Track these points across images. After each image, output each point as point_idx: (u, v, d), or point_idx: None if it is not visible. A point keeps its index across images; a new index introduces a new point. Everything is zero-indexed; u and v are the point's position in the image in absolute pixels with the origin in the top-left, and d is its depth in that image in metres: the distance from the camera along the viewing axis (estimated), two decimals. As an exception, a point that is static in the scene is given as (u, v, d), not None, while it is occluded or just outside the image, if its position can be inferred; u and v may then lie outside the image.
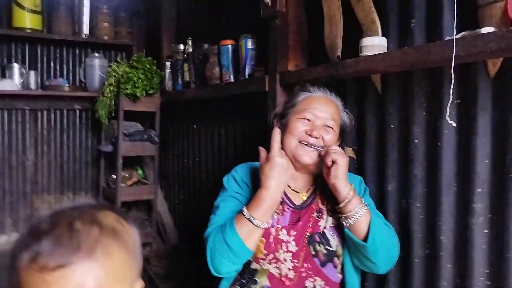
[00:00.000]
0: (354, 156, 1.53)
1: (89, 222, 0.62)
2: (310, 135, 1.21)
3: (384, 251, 1.16)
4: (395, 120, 1.36)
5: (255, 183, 1.29)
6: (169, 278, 2.53)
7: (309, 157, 1.21)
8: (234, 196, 1.28)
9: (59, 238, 0.59)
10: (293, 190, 1.30)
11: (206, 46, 2.41)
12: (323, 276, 1.23)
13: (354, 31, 1.43)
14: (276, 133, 1.18)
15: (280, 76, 1.74)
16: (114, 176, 3.23)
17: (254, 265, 1.25)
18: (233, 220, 1.15)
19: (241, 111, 2.32)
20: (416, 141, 1.29)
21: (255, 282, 1.24)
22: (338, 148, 1.18)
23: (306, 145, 1.21)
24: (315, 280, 1.22)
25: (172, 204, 3.32)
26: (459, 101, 1.18)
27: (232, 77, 2.19)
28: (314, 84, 1.36)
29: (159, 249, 3.04)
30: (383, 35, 1.34)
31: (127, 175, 3.31)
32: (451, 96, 1.05)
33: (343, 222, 1.17)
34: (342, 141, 1.37)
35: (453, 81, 1.03)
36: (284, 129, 1.27)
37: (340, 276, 1.26)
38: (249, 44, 2.00)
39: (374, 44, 1.30)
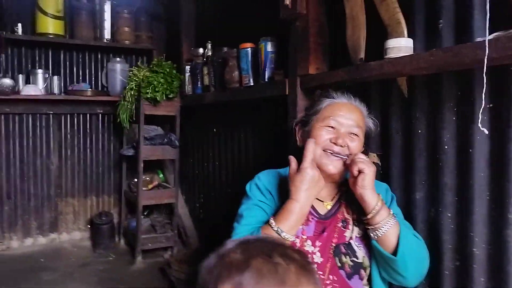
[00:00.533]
0: (379, 162, 1.47)
1: (285, 256, 0.62)
2: (335, 143, 1.17)
3: (414, 265, 1.11)
4: (422, 125, 1.30)
5: (279, 191, 1.26)
6: (190, 282, 2.51)
7: (334, 166, 1.17)
8: (258, 204, 1.25)
9: (260, 271, 0.59)
10: (317, 199, 1.24)
11: (225, 49, 2.39)
12: None
13: (378, 33, 1.37)
14: (311, 144, 1.14)
15: (301, 80, 1.70)
16: (136, 180, 3.24)
17: None
18: (260, 231, 1.13)
19: (261, 115, 2.29)
20: (446, 147, 1.22)
21: None
22: (364, 157, 1.13)
23: (331, 153, 1.17)
24: None
25: (192, 207, 3.32)
26: (491, 105, 1.11)
27: (251, 80, 2.16)
28: (336, 88, 1.32)
29: (179, 253, 3.04)
30: (409, 36, 1.28)
31: (148, 179, 3.33)
32: (483, 101, 0.98)
33: (371, 234, 1.12)
34: (367, 147, 1.32)
35: (485, 85, 0.97)
36: (307, 137, 1.23)
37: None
38: (269, 47, 1.96)
39: (400, 45, 1.24)
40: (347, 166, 1.16)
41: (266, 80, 1.99)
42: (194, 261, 2.73)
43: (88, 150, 3.68)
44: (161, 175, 3.53)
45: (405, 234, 1.09)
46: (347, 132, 1.19)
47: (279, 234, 1.09)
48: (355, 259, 1.18)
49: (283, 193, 1.27)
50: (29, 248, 3.43)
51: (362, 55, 1.41)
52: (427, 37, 1.29)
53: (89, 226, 3.70)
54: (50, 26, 3.21)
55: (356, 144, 1.19)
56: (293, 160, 1.16)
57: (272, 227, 1.10)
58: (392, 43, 1.26)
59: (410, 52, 1.24)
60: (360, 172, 1.09)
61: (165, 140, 3.11)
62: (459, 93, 1.19)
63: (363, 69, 1.33)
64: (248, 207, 1.25)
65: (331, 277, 1.17)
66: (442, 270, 1.25)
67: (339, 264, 1.17)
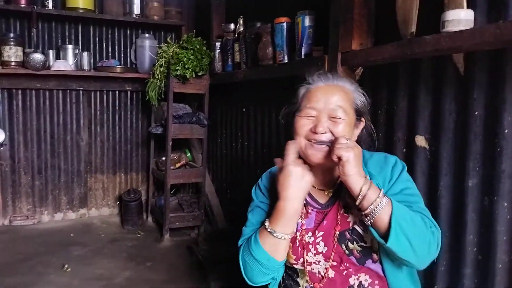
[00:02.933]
0: (427, 146, 1.37)
1: None
2: (315, 132, 1.11)
3: (416, 247, 1.00)
4: (480, 107, 1.18)
5: (275, 190, 1.21)
6: (217, 261, 2.50)
7: (319, 155, 1.11)
8: (259, 206, 1.27)
9: None
10: (317, 188, 1.22)
11: (258, 24, 2.29)
12: (366, 270, 1.14)
13: (431, 3, 1.25)
14: (290, 145, 1.12)
15: (342, 56, 1.60)
16: (164, 158, 3.23)
17: (295, 267, 1.22)
18: (257, 233, 1.14)
19: (295, 94, 2.20)
20: (506, 131, 1.11)
21: (298, 284, 1.21)
22: (344, 141, 1.05)
23: (314, 143, 1.12)
24: (359, 276, 1.14)
25: (219, 187, 3.30)
26: None
27: (286, 57, 2.07)
28: (379, 67, 1.21)
29: (207, 232, 3.03)
30: (468, 7, 1.15)
31: (175, 158, 3.31)
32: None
33: (365, 221, 1.05)
34: (368, 122, 1.24)
35: None
36: (293, 129, 1.19)
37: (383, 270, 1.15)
38: (307, 21, 1.86)
39: (460, 18, 1.12)
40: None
41: (303, 56, 1.89)
42: (221, 240, 2.71)
43: (117, 127, 3.69)
44: (188, 154, 3.51)
45: (399, 215, 0.99)
46: (329, 116, 1.12)
47: (272, 235, 1.10)
48: (363, 244, 1.13)
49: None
50: (59, 223, 3.51)
51: (414, 28, 1.30)
52: (490, 8, 1.17)
53: (117, 203, 3.75)
54: (80, 1, 3.18)
55: (341, 128, 1.11)
56: (278, 161, 1.15)
57: (267, 229, 1.11)
58: (450, 15, 1.14)
59: (471, 25, 1.13)
60: (339, 159, 1.02)
61: (194, 118, 3.07)
62: (525, 71, 1.08)
63: (416, 44, 1.22)
64: (252, 209, 1.28)
65: (342, 264, 1.14)
66: (495, 263, 1.16)
67: (346, 251, 1.13)
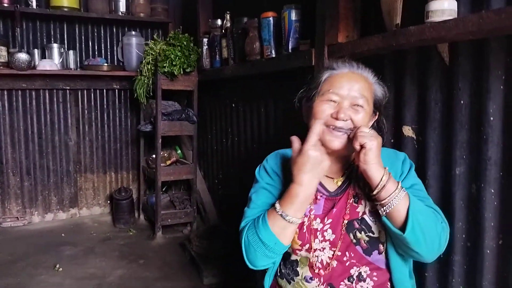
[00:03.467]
0: (414, 136, 1.38)
1: None
2: (337, 118, 1.09)
3: (428, 240, 1.03)
4: (465, 96, 1.20)
5: (286, 173, 1.22)
6: (210, 258, 2.51)
7: (338, 142, 1.10)
8: (265, 187, 1.23)
9: None
10: (326, 176, 1.21)
11: (245, 19, 2.29)
12: (370, 264, 1.14)
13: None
14: (316, 125, 1.08)
15: (329, 49, 1.60)
16: (154, 156, 3.22)
17: (294, 257, 1.20)
18: (266, 215, 1.11)
19: (283, 89, 2.21)
20: (492, 118, 1.13)
21: (297, 273, 1.19)
22: (367, 130, 1.04)
23: (333, 129, 1.10)
24: (360, 268, 1.14)
25: (211, 184, 3.29)
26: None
27: (273, 52, 2.07)
28: (367, 58, 1.22)
29: (199, 229, 3.03)
30: (452, -2, 1.17)
31: (166, 155, 3.30)
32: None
33: (379, 211, 1.06)
34: (381, 116, 1.24)
35: None
36: (310, 113, 1.17)
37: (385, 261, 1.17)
38: (293, 15, 1.86)
39: (444, 8, 1.13)
40: (352, 140, 1.08)
41: (290, 51, 1.90)
42: (214, 237, 2.71)
43: (106, 126, 3.67)
44: (179, 151, 3.50)
45: (415, 208, 1.01)
46: (350, 104, 1.11)
47: (284, 218, 1.08)
48: (371, 234, 1.13)
49: (289, 174, 1.21)
50: (50, 223, 3.48)
51: (399, 20, 1.31)
52: (473, -2, 1.18)
53: (108, 202, 3.72)
54: (65, -1, 3.14)
55: (361, 116, 1.10)
56: (295, 140, 1.11)
57: (277, 211, 1.09)
58: (434, 5, 1.15)
59: (454, 15, 1.14)
60: (362, 147, 1.02)
61: (183, 115, 3.06)
62: (508, 60, 1.10)
63: (401, 35, 1.23)
64: (256, 190, 1.24)
65: (347, 253, 1.14)
66: (483, 248, 1.18)
67: (354, 240, 1.13)
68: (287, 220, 1.07)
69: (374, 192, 1.03)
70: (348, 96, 1.11)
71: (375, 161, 1.02)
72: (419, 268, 1.38)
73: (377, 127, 1.25)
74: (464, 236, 1.25)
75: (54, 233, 3.24)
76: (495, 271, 1.17)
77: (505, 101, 1.11)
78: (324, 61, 1.62)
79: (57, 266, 2.58)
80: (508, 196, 1.12)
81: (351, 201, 1.16)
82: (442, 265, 1.31)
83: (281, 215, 1.08)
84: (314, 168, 1.06)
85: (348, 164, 1.21)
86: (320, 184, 1.20)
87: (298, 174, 1.07)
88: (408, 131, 1.40)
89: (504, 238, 1.14)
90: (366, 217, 1.14)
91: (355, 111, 1.10)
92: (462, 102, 1.21)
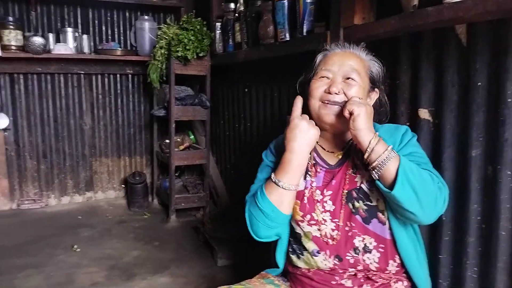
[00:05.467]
0: (430, 119, 1.38)
1: None
2: (329, 93, 1.15)
3: (422, 199, 1.03)
4: (483, 77, 1.19)
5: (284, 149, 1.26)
6: (224, 240, 2.55)
7: (332, 115, 1.15)
8: (268, 165, 1.32)
9: None
10: (327, 151, 1.27)
11: (259, 2, 2.28)
12: (372, 234, 1.16)
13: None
14: (297, 98, 1.18)
15: (345, 32, 1.59)
16: (167, 141, 3.25)
17: (298, 229, 1.24)
18: (263, 185, 1.19)
19: (297, 72, 2.19)
20: (510, 100, 1.12)
21: (305, 249, 1.22)
22: (357, 99, 1.10)
23: (328, 103, 1.16)
24: (364, 238, 1.16)
25: (223, 168, 3.32)
26: None
27: (287, 35, 2.06)
28: (383, 41, 1.22)
29: (212, 212, 3.07)
30: (471, -23, 1.15)
31: (179, 140, 3.33)
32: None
33: (372, 175, 1.08)
34: (382, 93, 1.27)
35: None
36: (308, 95, 1.22)
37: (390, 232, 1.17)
38: (308, -3, 1.85)
39: (462, -12, 1.12)
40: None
41: (305, 34, 1.89)
42: (226, 220, 2.75)
43: (120, 111, 3.71)
44: (191, 136, 3.53)
45: (405, 167, 1.02)
46: (343, 78, 1.16)
47: (278, 185, 1.14)
48: (369, 203, 1.15)
49: None
50: (66, 206, 3.56)
51: (416, 1, 1.29)
52: (493, -22, 1.16)
53: (123, 186, 3.79)
54: (78, -17, 3.15)
55: (355, 90, 1.15)
56: (288, 117, 1.19)
57: (273, 180, 1.16)
58: (453, -15, 1.14)
59: (473, -5, 1.12)
60: (351, 114, 1.06)
61: (196, 100, 3.07)
62: (528, 40, 1.08)
63: (419, 16, 1.22)
64: (261, 169, 1.34)
65: (348, 223, 1.17)
66: (498, 230, 1.19)
67: (353, 210, 1.16)
68: (281, 186, 1.14)
69: (365, 156, 1.07)
70: (340, 71, 1.17)
71: (364, 126, 1.06)
72: (433, 250, 1.40)
73: (379, 104, 1.28)
74: (479, 218, 1.25)
75: (70, 215, 3.32)
76: (510, 253, 1.18)
77: (524, 82, 1.10)
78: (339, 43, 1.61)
79: (75, 246, 2.65)
80: (524, 178, 1.12)
81: (350, 172, 1.19)
82: (456, 246, 1.32)
83: (275, 182, 1.15)
84: (302, 135, 1.13)
85: (349, 139, 1.24)
86: (321, 158, 1.26)
87: (289, 142, 1.15)
88: (424, 113, 1.39)
89: (520, 220, 1.14)
90: (364, 186, 1.17)
91: (347, 85, 1.15)
92: (479, 83, 1.20)
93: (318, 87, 1.18)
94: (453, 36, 1.27)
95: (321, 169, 1.24)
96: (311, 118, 1.19)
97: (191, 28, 2.83)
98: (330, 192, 1.20)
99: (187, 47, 2.81)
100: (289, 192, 1.15)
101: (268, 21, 2.16)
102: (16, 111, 3.36)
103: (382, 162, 1.03)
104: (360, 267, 1.17)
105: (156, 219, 3.23)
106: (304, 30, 1.89)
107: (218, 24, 2.84)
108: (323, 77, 1.18)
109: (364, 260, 1.16)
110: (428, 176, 1.07)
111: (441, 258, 1.37)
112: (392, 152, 1.04)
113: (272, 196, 1.15)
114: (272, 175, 1.16)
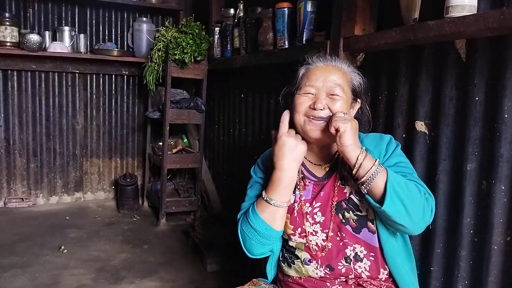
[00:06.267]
0: (427, 132, 1.39)
1: None
2: (314, 108, 1.15)
3: (410, 211, 1.04)
4: (481, 93, 1.21)
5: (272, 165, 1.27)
6: (214, 245, 2.53)
7: (318, 130, 1.15)
8: (257, 181, 1.31)
9: None
10: (314, 164, 1.27)
11: (259, 9, 2.29)
12: (362, 242, 1.17)
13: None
14: (285, 115, 1.18)
15: (345, 42, 1.61)
16: (160, 143, 3.24)
17: (291, 243, 1.25)
18: (255, 204, 1.19)
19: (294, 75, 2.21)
20: (506, 116, 1.14)
21: (297, 257, 1.24)
22: (341, 115, 1.09)
23: (313, 119, 1.15)
24: (354, 247, 1.17)
25: (216, 173, 3.31)
26: None
27: (287, 43, 2.07)
28: (382, 53, 1.23)
29: (203, 217, 3.05)
30: (472, -7, 1.17)
31: (172, 143, 3.31)
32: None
33: (361, 189, 1.08)
34: (364, 103, 1.28)
35: None
36: (292, 109, 1.22)
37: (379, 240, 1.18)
38: (309, 6, 1.86)
39: (464, 4, 1.14)
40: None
41: (304, 42, 1.90)
42: (217, 225, 2.74)
43: (113, 112, 3.68)
44: (185, 140, 3.51)
45: (393, 181, 1.03)
46: (327, 94, 1.16)
47: (269, 203, 1.15)
48: (358, 213, 1.16)
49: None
50: (54, 206, 3.51)
51: (417, 14, 1.31)
52: (493, -5, 1.18)
53: (113, 187, 3.75)
54: (77, -18, 3.14)
55: (339, 105, 1.15)
56: (273, 132, 1.20)
57: (264, 198, 1.16)
58: (454, 0, 1.15)
59: (474, 11, 1.15)
60: (337, 130, 1.06)
61: (191, 104, 3.07)
62: (526, 58, 1.10)
63: (420, 30, 1.23)
64: (251, 185, 1.33)
65: (339, 233, 1.18)
66: (490, 244, 1.20)
67: (343, 220, 1.17)
68: (273, 204, 1.14)
69: (354, 172, 1.07)
70: (324, 86, 1.16)
71: (350, 142, 1.06)
72: (424, 262, 1.40)
73: (361, 114, 1.29)
74: (472, 231, 1.26)
75: (58, 215, 3.27)
76: (502, 267, 1.19)
77: (521, 99, 1.12)
78: (339, 53, 1.62)
79: (62, 247, 2.61)
80: (518, 194, 1.13)
81: (338, 184, 1.20)
82: (448, 259, 1.33)
83: (266, 200, 1.15)
84: (290, 153, 1.14)
85: (335, 151, 1.25)
86: (308, 171, 1.26)
87: (277, 160, 1.15)
88: (421, 126, 1.40)
89: (513, 235, 1.15)
90: (353, 196, 1.17)
91: (332, 100, 1.15)
92: (477, 98, 1.21)
93: (302, 103, 1.18)
94: (453, 51, 1.29)
95: (309, 182, 1.25)
96: (296, 130, 1.20)
97: (189, 31, 2.83)
98: (319, 204, 1.20)
99: (185, 51, 2.80)
100: (281, 209, 1.16)
101: (267, 28, 2.17)
102: (8, 108, 3.32)
103: (370, 177, 1.04)
104: (351, 276, 1.17)
105: (146, 222, 3.20)
106: (304, 39, 1.91)
107: (217, 29, 2.85)
108: (307, 93, 1.18)
109: (355, 269, 1.17)
110: (415, 187, 1.08)
111: (432, 270, 1.38)
112: (379, 167, 1.05)
113: (264, 214, 1.16)
114: (263, 194, 1.17)
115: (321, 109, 1.14)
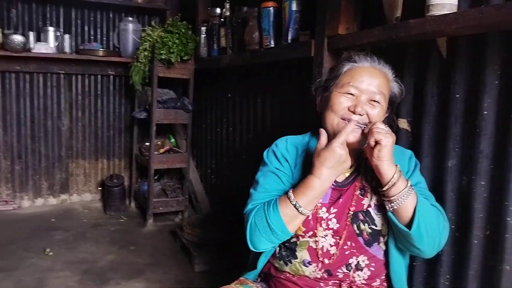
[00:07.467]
0: (409, 129, 1.41)
1: None
2: (353, 112, 1.12)
3: (430, 238, 1.07)
4: (461, 90, 1.23)
5: (296, 160, 1.25)
6: (202, 245, 2.53)
7: (353, 135, 1.11)
8: (274, 172, 1.23)
9: None
10: None
11: (245, 8, 2.29)
12: (368, 254, 1.17)
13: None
14: (350, 126, 1.09)
15: (329, 41, 1.62)
16: (147, 144, 3.22)
17: (294, 239, 1.21)
18: (277, 201, 1.12)
19: (281, 79, 2.22)
20: (486, 112, 1.16)
21: (296, 257, 1.20)
22: (383, 127, 1.05)
23: (349, 122, 1.11)
24: (358, 256, 1.17)
25: (204, 173, 3.31)
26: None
27: (272, 42, 2.08)
28: (362, 50, 1.24)
29: (191, 217, 3.04)
30: (452, -8, 1.19)
31: (159, 143, 3.30)
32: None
33: (387, 206, 1.09)
34: (392, 113, 1.26)
35: None
36: (325, 104, 1.19)
37: (384, 253, 1.20)
38: (294, 5, 1.87)
39: (444, 2, 1.16)
40: (365, 135, 1.10)
41: (290, 41, 1.91)
42: (206, 225, 2.73)
43: (99, 112, 3.64)
44: (172, 140, 3.50)
45: (422, 207, 1.05)
46: (368, 99, 1.13)
47: (297, 209, 1.09)
48: (373, 227, 1.16)
49: (299, 161, 1.25)
50: (40, 208, 3.46)
51: (399, 13, 1.33)
52: (472, -6, 1.21)
53: (99, 189, 3.71)
54: (61, -18, 3.10)
55: (377, 112, 1.13)
56: (323, 134, 1.12)
57: (290, 201, 1.10)
58: (434, -1, 1.17)
59: (454, 9, 1.16)
60: (377, 143, 1.03)
61: (178, 103, 3.06)
62: (504, 55, 1.12)
63: (402, 28, 1.25)
64: (264, 174, 1.24)
65: (348, 243, 1.16)
66: (471, 239, 1.21)
67: (357, 231, 1.16)
68: (299, 210, 1.09)
69: (384, 188, 1.05)
70: (367, 90, 1.12)
71: (388, 157, 1.03)
72: (408, 257, 1.42)
73: (387, 123, 1.24)
74: (453, 226, 1.28)
75: (44, 218, 3.23)
76: (481, 261, 1.20)
77: (500, 95, 1.14)
78: (323, 52, 1.64)
79: (48, 250, 2.58)
80: (497, 189, 1.15)
81: (357, 193, 1.18)
82: (432, 254, 1.35)
83: (294, 205, 1.09)
84: (337, 166, 1.07)
85: (358, 157, 1.22)
86: None
87: (320, 167, 1.08)
88: (403, 123, 1.42)
89: (492, 229, 1.17)
90: (371, 210, 1.16)
91: (371, 106, 1.13)
92: (457, 96, 1.24)
93: (341, 103, 1.13)
94: (434, 49, 1.31)
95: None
96: (325, 128, 1.16)
97: (176, 31, 2.82)
98: (335, 210, 1.17)
99: (171, 50, 2.80)
100: (303, 216, 1.11)
101: (253, 27, 2.18)
102: (-9, 109, 3.27)
103: (401, 198, 1.03)
104: (347, 281, 1.17)
105: (133, 223, 3.18)
106: (289, 38, 1.92)
107: (204, 29, 2.85)
108: (348, 93, 1.13)
109: (353, 277, 1.17)
110: (439, 216, 1.10)
111: (415, 265, 1.40)
112: (410, 189, 1.04)
113: (285, 216, 1.10)
114: (291, 196, 1.10)
115: (360, 115, 1.11)
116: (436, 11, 1.16)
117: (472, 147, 1.20)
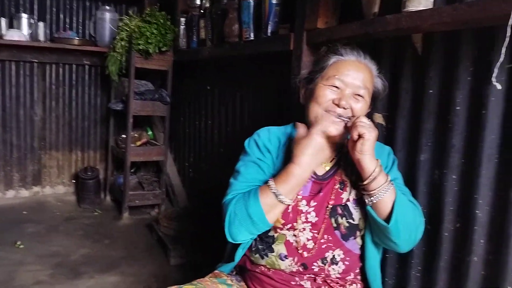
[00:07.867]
0: (384, 123, 1.43)
1: None
2: (338, 105, 1.12)
3: (407, 232, 1.09)
4: (434, 85, 1.25)
5: (278, 150, 1.25)
6: (178, 239, 2.51)
7: (335, 128, 1.11)
8: (255, 161, 1.22)
9: None
10: None
11: (225, 0, 2.27)
12: (344, 248, 1.18)
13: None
14: (325, 116, 1.12)
15: (308, 34, 1.62)
16: (124, 136, 3.17)
17: (272, 233, 1.21)
18: (258, 190, 1.11)
19: (261, 73, 2.22)
20: (458, 108, 1.19)
21: (272, 250, 1.20)
22: (367, 120, 1.06)
23: (332, 115, 1.12)
24: (334, 250, 1.18)
25: (181, 166, 3.28)
26: (511, 66, 1.07)
27: (252, 35, 2.07)
28: (345, 43, 1.25)
29: (168, 211, 3.01)
30: (428, -11, 1.21)
31: (136, 135, 3.25)
32: (502, 55, 0.93)
33: (366, 200, 1.10)
34: (373, 108, 1.28)
35: (507, 38, 0.91)
36: (310, 95, 1.19)
37: (360, 247, 1.22)
38: (274, -2, 1.87)
39: (420, -2, 1.18)
40: (348, 129, 1.10)
41: (269, 34, 1.91)
42: (182, 218, 2.71)
43: (74, 103, 3.56)
44: (149, 132, 3.45)
45: (400, 202, 1.06)
46: (352, 93, 1.13)
47: (277, 196, 1.08)
48: (351, 221, 1.17)
49: (282, 152, 1.25)
50: (11, 200, 3.36)
51: (377, 9, 1.34)
52: (448, -9, 1.23)
53: (73, 181, 3.63)
54: (35, -33, 3.00)
55: (360, 106, 1.13)
56: (301, 126, 1.13)
57: (270, 189, 1.09)
58: (411, -5, 1.19)
59: (430, 6, 1.18)
60: (360, 136, 1.04)
61: (156, 95, 3.02)
62: (476, 52, 1.15)
63: (378, 23, 1.26)
64: (245, 163, 1.23)
65: (326, 236, 1.17)
66: (441, 231, 1.25)
67: (334, 225, 1.16)
68: (279, 199, 1.08)
69: (365, 182, 1.06)
70: (352, 84, 1.12)
71: (370, 152, 1.04)
72: (380, 250, 1.44)
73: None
74: (425, 219, 1.30)
75: (15, 210, 3.14)
76: (451, 253, 1.24)
77: (472, 91, 1.16)
78: (302, 46, 1.64)
79: (18, 243, 2.51)
80: (467, 183, 1.18)
81: (337, 187, 1.18)
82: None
83: (274, 192, 1.08)
84: (316, 153, 1.08)
85: (338, 150, 1.22)
86: None
87: (299, 155, 1.08)
88: (378, 118, 1.44)
89: (461, 222, 1.20)
90: (350, 204, 1.17)
91: (355, 100, 1.13)
92: (431, 91, 1.26)
93: (326, 95, 1.13)
94: (410, 45, 1.33)
95: (309, 179, 1.19)
96: (307, 121, 1.16)
97: (154, 21, 2.78)
98: (315, 204, 1.17)
99: (149, 41, 2.75)
100: (283, 205, 1.10)
101: (233, 20, 2.16)
102: (-40, 98, 3.15)
103: (380, 192, 1.04)
104: (322, 275, 1.18)
105: (108, 217, 3.12)
106: (269, 31, 1.91)
107: (183, 20, 2.81)
108: (333, 85, 1.13)
109: (328, 271, 1.18)
110: (414, 211, 1.12)
111: (387, 257, 1.42)
112: (390, 184, 1.06)
113: (265, 205, 1.09)
114: (272, 184, 1.09)
115: (344, 108, 1.11)
116: (412, 7, 1.18)
117: (444, 141, 1.23)
